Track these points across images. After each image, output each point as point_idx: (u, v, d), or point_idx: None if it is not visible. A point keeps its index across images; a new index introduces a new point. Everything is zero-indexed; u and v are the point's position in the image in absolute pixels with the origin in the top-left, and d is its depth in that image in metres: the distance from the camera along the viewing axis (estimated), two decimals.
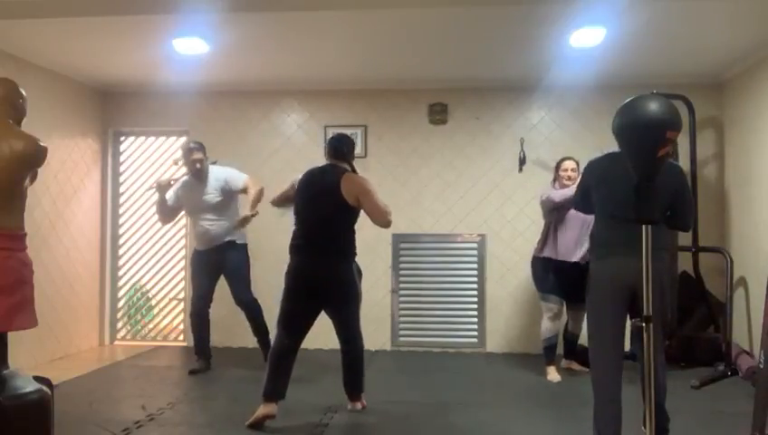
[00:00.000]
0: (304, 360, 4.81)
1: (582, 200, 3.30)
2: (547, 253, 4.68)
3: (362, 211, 3.73)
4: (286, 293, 3.68)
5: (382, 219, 3.70)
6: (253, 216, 4.58)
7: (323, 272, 3.66)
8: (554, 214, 4.66)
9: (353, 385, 3.83)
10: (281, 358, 3.61)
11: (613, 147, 2.83)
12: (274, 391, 3.55)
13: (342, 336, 3.80)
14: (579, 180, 3.40)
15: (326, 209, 3.67)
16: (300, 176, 3.88)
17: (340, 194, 3.63)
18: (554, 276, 4.67)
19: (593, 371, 3.09)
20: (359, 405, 3.83)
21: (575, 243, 4.57)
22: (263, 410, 3.51)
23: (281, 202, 4.02)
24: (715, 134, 5.60)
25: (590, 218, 4.31)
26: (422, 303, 5.80)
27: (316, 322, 3.80)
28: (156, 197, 4.88)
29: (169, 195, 4.85)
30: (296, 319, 3.67)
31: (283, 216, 4.13)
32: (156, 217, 6.22)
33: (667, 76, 5.26)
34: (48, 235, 5.21)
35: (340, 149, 3.83)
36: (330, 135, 5.82)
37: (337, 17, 4.16)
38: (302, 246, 3.70)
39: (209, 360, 4.91)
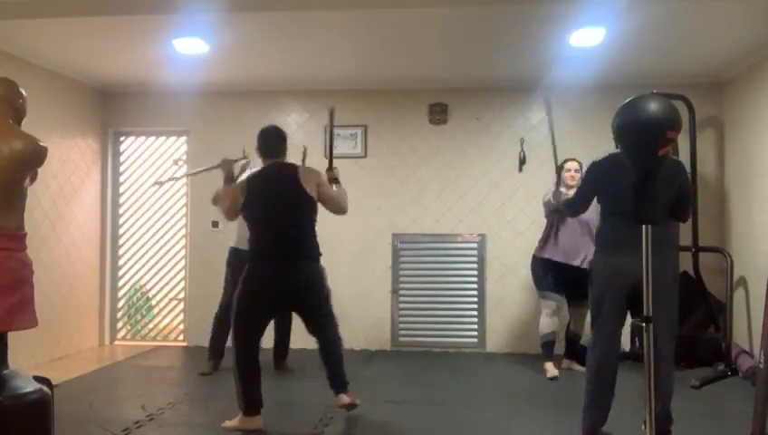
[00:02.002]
0: (304, 360, 4.83)
1: (582, 202, 3.33)
2: (547, 254, 4.72)
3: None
4: (251, 302, 3.46)
5: (339, 205, 3.67)
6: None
7: (300, 275, 3.50)
8: (556, 215, 4.69)
9: (340, 379, 3.64)
10: (256, 367, 3.49)
11: (614, 147, 2.85)
12: (259, 401, 3.46)
13: (323, 333, 3.65)
14: (580, 183, 3.42)
15: (294, 209, 3.54)
16: (237, 181, 3.71)
17: (303, 187, 3.52)
18: (554, 275, 4.71)
19: (589, 357, 3.19)
20: (346, 399, 3.61)
21: (575, 245, 4.60)
22: (254, 423, 3.41)
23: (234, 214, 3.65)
24: (715, 134, 5.60)
25: (591, 221, 4.42)
26: (422, 303, 5.79)
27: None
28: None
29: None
30: (260, 328, 3.57)
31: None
32: (153, 218, 6.26)
33: (667, 76, 5.26)
34: (48, 235, 5.21)
35: (281, 145, 3.67)
36: (329, 135, 5.88)
37: (337, 17, 4.16)
38: (274, 252, 3.46)
39: (220, 361, 4.81)
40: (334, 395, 3.64)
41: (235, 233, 4.75)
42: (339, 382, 3.64)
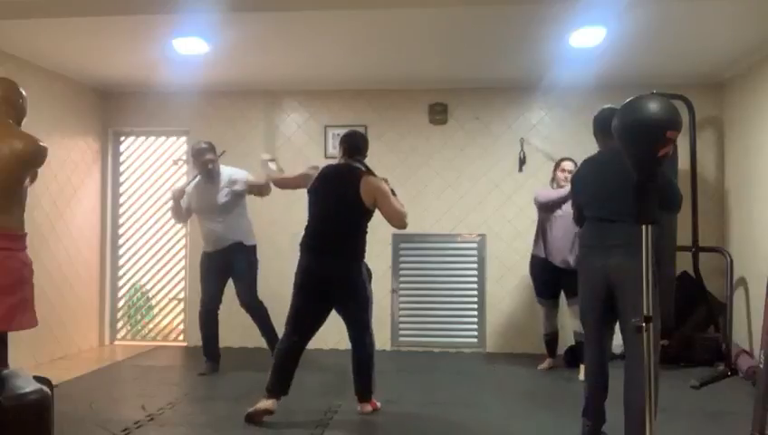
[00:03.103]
0: (304, 360, 4.82)
1: (578, 214, 3.36)
2: (537, 251, 4.88)
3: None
4: (297, 291, 3.69)
5: (399, 222, 3.70)
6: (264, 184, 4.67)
7: (334, 272, 3.65)
8: (542, 213, 4.84)
9: (359, 386, 3.78)
10: (287, 355, 3.65)
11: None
12: (278, 387, 3.59)
13: (350, 337, 3.79)
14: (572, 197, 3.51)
15: (343, 210, 3.66)
16: (312, 171, 3.86)
17: (359, 195, 3.62)
18: (546, 276, 4.84)
19: (584, 359, 3.36)
20: (368, 407, 3.77)
21: (563, 245, 4.70)
22: (264, 404, 3.54)
23: (283, 185, 4.18)
24: (715, 134, 5.60)
25: (569, 220, 4.55)
26: (422, 303, 5.80)
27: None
28: (171, 203, 4.96)
29: (183, 198, 4.87)
30: (305, 317, 3.68)
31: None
32: (153, 218, 6.25)
33: (667, 76, 5.26)
34: (48, 235, 5.21)
35: (357, 146, 3.82)
36: (329, 135, 5.90)
37: (337, 17, 4.16)
38: (314, 245, 3.69)
39: (218, 361, 4.85)
40: (358, 401, 3.79)
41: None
42: (362, 392, 3.78)
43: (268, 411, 3.53)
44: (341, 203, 3.66)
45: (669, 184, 3.01)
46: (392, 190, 3.80)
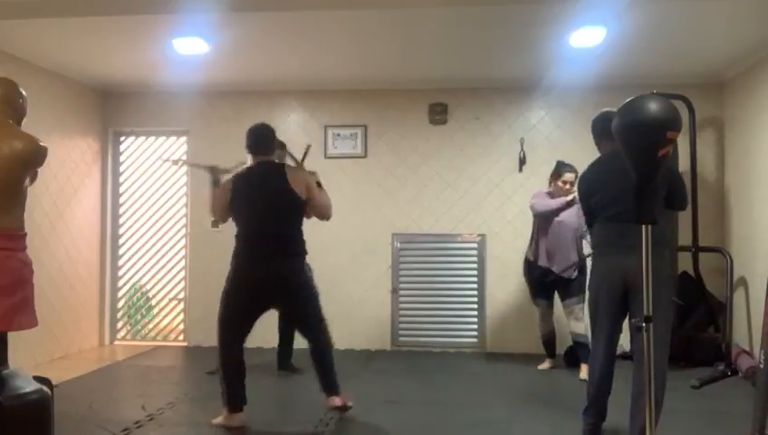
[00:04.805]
0: (305, 359, 4.82)
1: (590, 219, 3.34)
2: (531, 256, 4.89)
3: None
4: (239, 301, 3.49)
5: (328, 211, 3.69)
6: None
7: (286, 273, 3.52)
8: (537, 220, 4.84)
9: (326, 381, 3.62)
10: (241, 366, 3.53)
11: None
12: (242, 399, 3.50)
13: (308, 334, 3.67)
14: (580, 204, 3.48)
15: (282, 208, 3.54)
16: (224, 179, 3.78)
17: (291, 187, 3.52)
18: (539, 278, 4.84)
19: (590, 359, 3.33)
20: (338, 401, 3.59)
21: (553, 250, 4.71)
22: (237, 420, 3.47)
23: (225, 214, 3.69)
24: (715, 134, 5.60)
25: (574, 228, 4.59)
26: (422, 303, 5.80)
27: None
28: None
29: None
30: (250, 323, 3.55)
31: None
32: (153, 218, 6.23)
33: (667, 76, 5.26)
34: (48, 235, 5.21)
35: (268, 143, 3.67)
36: (329, 135, 5.90)
37: (337, 17, 4.16)
38: (259, 250, 3.50)
39: None
40: (326, 397, 3.62)
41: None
42: (330, 385, 3.62)
43: (243, 426, 3.45)
44: (277, 201, 3.52)
45: (681, 180, 3.05)
46: (318, 183, 3.70)
